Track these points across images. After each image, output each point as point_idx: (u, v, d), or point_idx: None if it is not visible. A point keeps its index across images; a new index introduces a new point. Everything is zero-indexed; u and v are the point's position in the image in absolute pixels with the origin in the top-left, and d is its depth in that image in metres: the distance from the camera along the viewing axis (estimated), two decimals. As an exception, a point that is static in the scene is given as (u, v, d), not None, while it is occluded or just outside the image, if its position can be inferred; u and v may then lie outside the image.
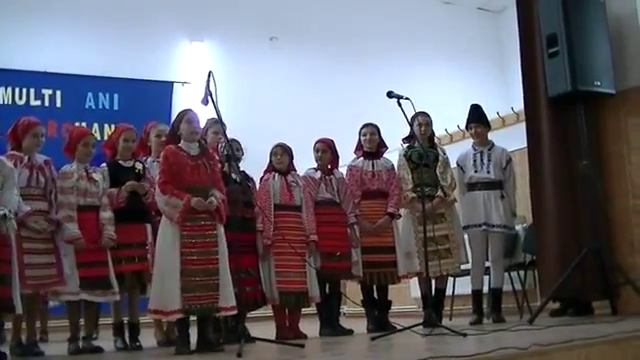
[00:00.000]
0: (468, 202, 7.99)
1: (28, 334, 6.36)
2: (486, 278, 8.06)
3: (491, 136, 8.25)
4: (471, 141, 8.25)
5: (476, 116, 8.17)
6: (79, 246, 6.33)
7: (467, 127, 8.30)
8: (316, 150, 7.63)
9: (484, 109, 8.27)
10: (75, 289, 6.33)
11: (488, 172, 7.95)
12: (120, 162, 6.95)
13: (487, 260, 8.04)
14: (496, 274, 7.98)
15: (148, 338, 7.05)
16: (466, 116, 8.25)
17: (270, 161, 7.41)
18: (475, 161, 8.02)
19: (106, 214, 6.63)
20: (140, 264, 6.75)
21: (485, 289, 8.07)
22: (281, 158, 7.35)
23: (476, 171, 7.98)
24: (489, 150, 8.05)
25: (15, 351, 6.28)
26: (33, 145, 6.43)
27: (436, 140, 8.39)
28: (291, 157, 7.42)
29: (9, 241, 5.82)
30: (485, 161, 7.98)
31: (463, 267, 7.86)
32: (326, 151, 7.61)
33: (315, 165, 7.67)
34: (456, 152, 8.32)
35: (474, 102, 8.28)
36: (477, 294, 7.96)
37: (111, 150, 7.06)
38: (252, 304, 6.83)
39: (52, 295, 6.46)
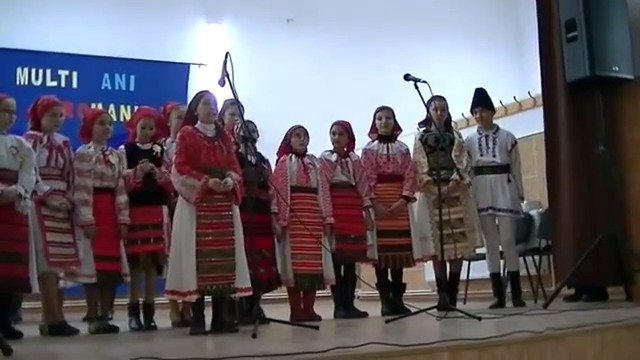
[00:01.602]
0: (475, 186, 7.97)
1: (54, 314, 6.42)
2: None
3: (508, 120, 8.27)
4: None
5: (480, 100, 8.17)
6: (89, 233, 6.40)
7: (472, 111, 8.30)
8: (333, 133, 7.64)
9: (496, 93, 8.25)
10: (90, 272, 6.39)
11: (494, 156, 7.96)
12: (138, 145, 6.97)
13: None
14: (510, 258, 7.99)
15: (163, 319, 7.08)
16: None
17: (287, 142, 7.43)
18: (480, 145, 8.02)
19: (122, 198, 6.69)
20: (155, 245, 6.77)
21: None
22: (303, 139, 7.37)
23: (482, 155, 7.99)
24: (494, 134, 8.06)
25: (44, 331, 6.33)
26: (52, 124, 6.46)
27: (452, 124, 8.36)
28: (309, 139, 7.43)
29: (26, 220, 5.88)
30: (490, 145, 7.99)
31: (478, 251, 7.87)
32: (343, 134, 7.61)
33: (331, 147, 7.68)
34: (469, 135, 8.30)
35: (491, 86, 8.26)
36: (495, 277, 7.98)
37: (133, 129, 7.08)
38: (266, 285, 6.86)
39: (67, 276, 6.50)
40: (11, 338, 5.45)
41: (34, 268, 5.92)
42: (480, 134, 8.08)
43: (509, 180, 7.90)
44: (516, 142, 8.11)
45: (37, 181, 6.07)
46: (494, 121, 8.27)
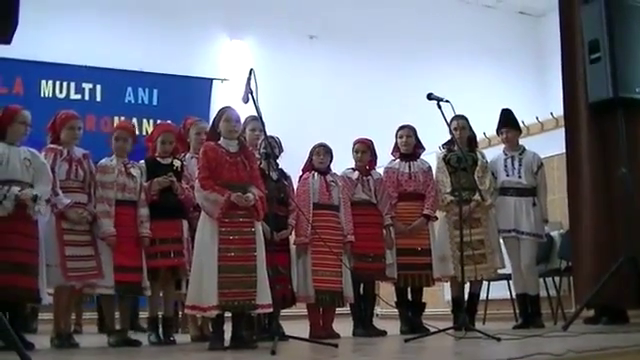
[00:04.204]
0: (499, 207, 7.93)
1: (63, 326, 6.44)
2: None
3: (529, 141, 8.21)
4: (511, 144, 8.21)
5: (507, 121, 8.12)
6: (111, 244, 6.42)
7: (498, 132, 8.26)
8: (355, 151, 7.65)
9: (519, 113, 8.22)
10: (110, 283, 6.43)
11: (519, 177, 7.90)
12: (158, 159, 6.99)
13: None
14: (530, 282, 7.89)
15: (182, 333, 7.08)
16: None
17: (310, 160, 7.44)
18: (506, 166, 7.97)
19: (144, 210, 6.72)
20: (176, 259, 6.77)
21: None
22: (323, 158, 7.38)
23: (507, 175, 7.93)
24: (520, 155, 8.01)
25: (54, 342, 6.35)
26: (70, 138, 6.53)
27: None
28: (331, 157, 7.44)
29: (37, 232, 5.97)
30: (516, 166, 7.93)
31: (499, 272, 7.84)
32: (365, 151, 7.62)
33: (352, 165, 7.69)
34: (492, 156, 8.27)
35: (513, 106, 8.24)
36: (521, 298, 7.93)
37: (153, 144, 7.11)
38: (281, 303, 6.82)
39: (88, 287, 6.55)
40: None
41: (44, 279, 6.01)
42: (506, 155, 8.03)
43: (534, 204, 7.85)
44: (542, 164, 8.05)
45: (58, 194, 6.14)
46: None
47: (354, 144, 7.68)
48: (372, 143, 7.70)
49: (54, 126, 6.55)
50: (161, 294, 7.03)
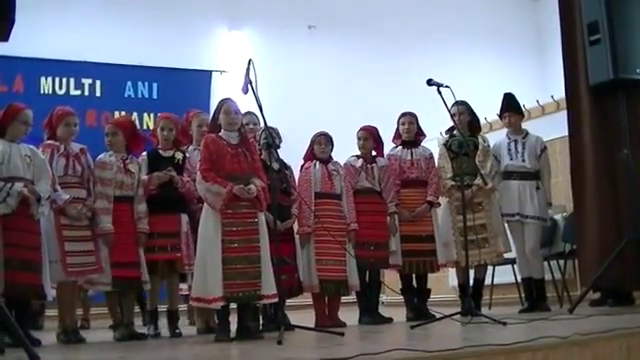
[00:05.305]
0: (503, 191, 7.95)
1: (69, 322, 6.45)
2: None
3: (531, 124, 8.19)
4: (511, 129, 8.21)
5: (509, 105, 8.13)
6: (108, 241, 6.44)
7: (500, 116, 8.26)
8: (358, 138, 7.63)
9: (519, 97, 8.22)
10: (107, 279, 6.46)
11: (523, 161, 7.92)
12: (160, 152, 6.99)
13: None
14: (534, 265, 7.91)
15: (187, 325, 7.08)
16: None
17: (311, 149, 7.43)
18: (510, 150, 7.99)
19: (142, 207, 6.73)
20: (172, 254, 6.78)
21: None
22: (325, 147, 7.36)
23: (511, 159, 7.95)
24: (523, 139, 8.03)
25: (60, 338, 6.35)
26: (67, 134, 6.50)
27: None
28: (332, 146, 7.43)
29: (38, 229, 5.98)
30: (520, 149, 7.95)
31: (504, 256, 7.84)
32: (368, 139, 7.60)
33: (355, 153, 7.67)
34: (496, 141, 8.27)
35: (513, 90, 8.24)
36: (526, 282, 7.95)
37: (156, 137, 7.11)
38: (287, 293, 6.83)
39: (87, 284, 6.57)
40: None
41: (47, 275, 6.03)
42: (509, 139, 8.05)
43: (538, 187, 7.86)
44: (545, 147, 8.07)
45: (56, 190, 6.14)
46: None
47: (357, 132, 7.66)
48: (376, 130, 7.67)
49: (50, 122, 6.53)
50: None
